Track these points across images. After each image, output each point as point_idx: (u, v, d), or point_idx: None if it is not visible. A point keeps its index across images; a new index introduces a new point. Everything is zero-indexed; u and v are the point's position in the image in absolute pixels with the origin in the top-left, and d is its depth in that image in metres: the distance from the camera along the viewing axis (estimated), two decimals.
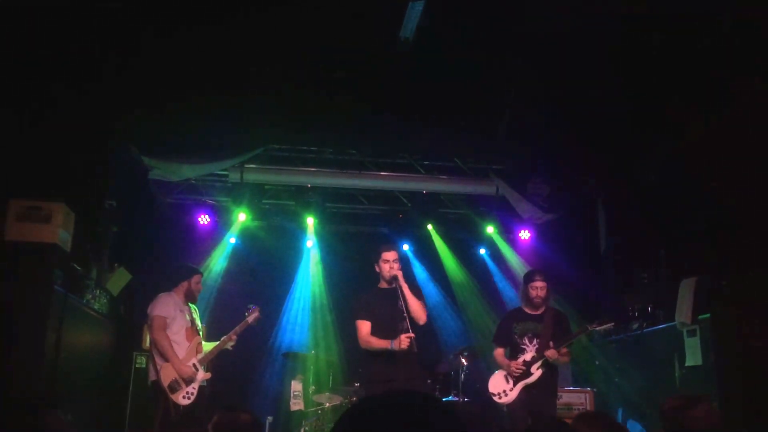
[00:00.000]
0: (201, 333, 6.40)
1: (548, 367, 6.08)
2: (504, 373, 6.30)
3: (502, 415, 6.58)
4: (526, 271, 9.03)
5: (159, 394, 5.91)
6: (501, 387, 6.25)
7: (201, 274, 6.57)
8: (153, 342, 6.05)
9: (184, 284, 6.32)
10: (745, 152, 6.17)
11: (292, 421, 7.77)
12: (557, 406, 6.46)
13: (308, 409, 7.66)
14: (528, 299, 6.32)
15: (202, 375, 6.11)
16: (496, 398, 6.27)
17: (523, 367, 6.13)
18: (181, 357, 6.01)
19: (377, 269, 5.75)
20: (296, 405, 7.79)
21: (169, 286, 6.38)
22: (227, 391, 8.11)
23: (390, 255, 5.70)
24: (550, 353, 5.97)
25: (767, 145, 5.91)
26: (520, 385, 6.13)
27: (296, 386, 7.92)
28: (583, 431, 2.89)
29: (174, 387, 5.90)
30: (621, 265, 7.98)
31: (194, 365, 6.07)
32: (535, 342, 6.14)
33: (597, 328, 6.14)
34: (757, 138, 6.01)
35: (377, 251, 5.78)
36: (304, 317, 9.17)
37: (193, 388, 6.00)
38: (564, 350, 6.09)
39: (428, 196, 9.03)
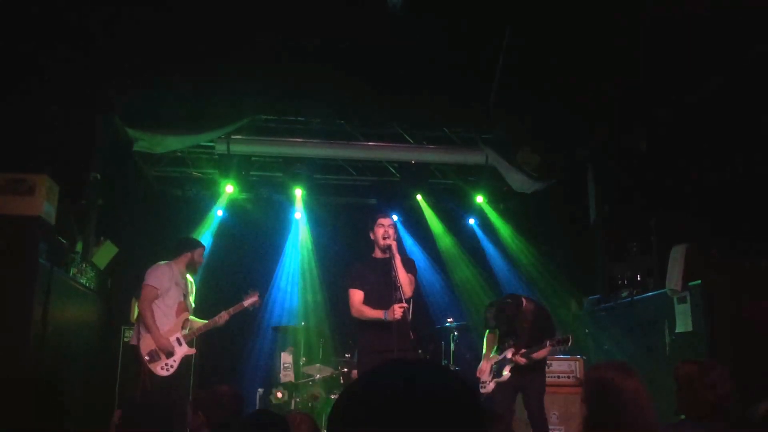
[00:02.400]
0: (191, 308, 6.35)
1: (522, 366, 6.14)
2: (488, 363, 6.44)
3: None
4: (516, 240, 9.06)
5: (140, 360, 5.94)
6: (483, 377, 6.43)
7: (204, 247, 6.55)
8: (139, 310, 6.05)
9: (188, 255, 6.30)
10: (736, 119, 6.15)
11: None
12: (547, 374, 6.55)
13: (299, 380, 7.65)
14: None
15: (184, 350, 6.07)
16: (480, 385, 6.42)
17: (496, 367, 6.29)
18: (165, 330, 5.99)
19: (372, 236, 5.70)
20: (287, 377, 7.78)
21: (170, 256, 6.34)
22: (218, 365, 8.10)
23: (385, 221, 5.65)
24: (519, 361, 6.09)
25: (759, 113, 5.89)
26: (494, 382, 6.27)
27: (286, 358, 7.90)
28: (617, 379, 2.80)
29: (153, 357, 5.91)
30: (611, 233, 7.97)
31: (177, 339, 6.04)
32: (510, 343, 6.25)
33: (556, 346, 6.17)
34: (747, 106, 5.99)
35: (372, 217, 5.73)
36: (293, 289, 9.14)
37: (174, 361, 5.98)
38: (541, 351, 6.13)
39: (417, 167, 8.95)
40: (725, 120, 6.25)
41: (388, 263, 5.51)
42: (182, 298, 6.18)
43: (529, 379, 6.14)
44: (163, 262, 6.25)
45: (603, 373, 2.83)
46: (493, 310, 6.52)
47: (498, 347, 6.41)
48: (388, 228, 5.61)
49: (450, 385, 1.23)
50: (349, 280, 5.75)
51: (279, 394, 7.53)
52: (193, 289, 6.49)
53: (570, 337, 6.12)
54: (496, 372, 6.26)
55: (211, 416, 3.87)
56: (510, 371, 6.15)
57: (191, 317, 6.32)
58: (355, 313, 5.68)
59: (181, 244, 6.43)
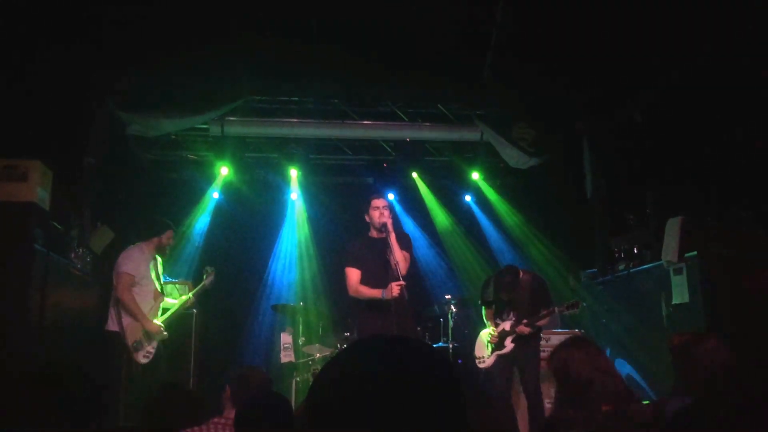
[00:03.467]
0: (164, 292, 6.43)
1: (522, 338, 6.20)
2: (485, 337, 6.47)
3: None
4: (513, 216, 9.07)
5: (122, 348, 5.97)
6: (481, 352, 6.48)
7: (173, 228, 6.57)
8: (119, 299, 6.07)
9: (155, 240, 6.36)
10: (732, 90, 6.12)
11: (283, 373, 7.78)
12: (544, 348, 6.59)
13: (299, 360, 7.68)
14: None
15: (160, 335, 6.20)
16: (477, 362, 6.49)
17: (497, 339, 6.32)
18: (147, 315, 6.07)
19: (367, 218, 5.73)
20: (287, 357, 7.81)
21: (141, 237, 6.45)
22: (217, 346, 8.12)
23: (379, 202, 5.67)
24: (521, 330, 6.16)
25: (754, 84, 5.86)
26: (495, 354, 6.32)
27: (286, 338, 7.92)
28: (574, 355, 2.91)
29: (137, 346, 5.98)
30: (608, 207, 7.97)
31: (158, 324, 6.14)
32: (511, 315, 6.30)
33: (565, 312, 6.31)
34: (743, 76, 5.95)
35: (366, 199, 5.75)
36: (290, 270, 9.14)
37: (152, 347, 6.06)
38: (542, 320, 6.25)
39: (412, 144, 8.93)
40: (722, 90, 6.22)
41: (384, 242, 5.54)
42: (156, 281, 6.26)
43: (525, 353, 6.20)
44: (134, 246, 6.32)
45: (561, 354, 3.01)
46: (491, 283, 6.54)
47: (496, 321, 6.43)
48: (383, 209, 5.63)
49: (429, 361, 1.24)
50: (346, 259, 5.78)
51: None
52: (161, 267, 6.56)
53: (578, 302, 6.25)
54: (497, 345, 6.28)
55: (237, 393, 3.97)
56: (512, 342, 6.18)
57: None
58: (352, 292, 5.71)
59: (149, 227, 6.48)
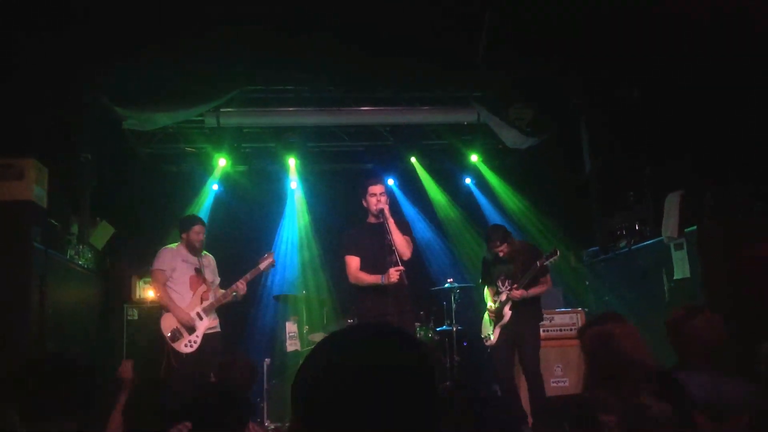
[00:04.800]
0: (212, 283, 6.37)
1: (521, 304, 6.20)
2: (487, 316, 6.50)
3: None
4: (512, 197, 9.06)
5: (163, 342, 6.02)
6: (486, 330, 6.46)
7: (202, 224, 6.44)
8: (155, 295, 6.21)
9: (184, 236, 6.32)
10: (729, 64, 6.07)
11: (289, 362, 7.81)
12: (543, 329, 6.67)
13: (304, 348, 7.71)
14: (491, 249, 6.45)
15: (206, 323, 6.14)
16: (484, 341, 6.50)
17: (493, 314, 6.35)
18: (182, 305, 6.07)
19: (364, 204, 5.71)
20: (292, 346, 7.83)
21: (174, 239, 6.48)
22: (223, 338, 8.14)
23: (376, 188, 5.64)
24: (515, 294, 6.14)
25: (752, 57, 5.81)
26: (498, 327, 6.31)
27: (291, 328, 7.94)
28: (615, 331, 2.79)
29: (175, 336, 6.00)
30: (606, 184, 7.94)
31: (198, 314, 6.09)
32: (507, 284, 6.28)
33: (546, 262, 6.20)
34: (742, 49, 5.90)
35: (363, 186, 5.73)
36: (292, 259, 9.15)
37: (197, 336, 6.05)
38: (536, 287, 6.23)
39: (410, 129, 8.89)
40: (719, 63, 6.17)
41: (382, 227, 5.52)
42: (194, 273, 6.23)
43: (525, 334, 6.18)
44: (168, 246, 6.38)
45: (602, 326, 2.82)
46: (487, 249, 6.54)
47: (494, 299, 6.43)
48: (379, 196, 5.60)
49: (406, 350, 1.24)
50: (345, 247, 5.78)
51: None
52: (211, 263, 6.51)
53: (556, 250, 6.23)
54: (497, 317, 6.29)
55: (223, 382, 3.97)
56: (510, 309, 6.21)
57: (220, 289, 6.38)
58: (352, 279, 5.72)
59: (179, 224, 6.48)
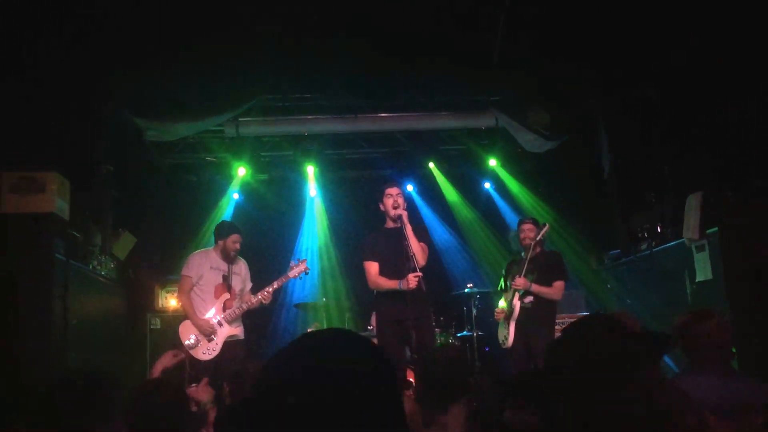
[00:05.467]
0: (241, 290, 6.33)
1: (533, 301, 6.17)
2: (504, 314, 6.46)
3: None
4: (532, 202, 9.02)
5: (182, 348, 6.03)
6: (502, 333, 6.43)
7: (239, 233, 6.35)
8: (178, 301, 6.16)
9: (220, 243, 6.27)
10: (747, 60, 5.99)
11: None
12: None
13: None
14: (519, 242, 6.53)
15: (226, 332, 6.10)
16: (501, 345, 6.45)
17: (502, 313, 6.36)
18: (204, 313, 6.07)
19: (382, 208, 5.73)
20: None
21: (211, 243, 6.46)
22: (245, 345, 8.19)
23: (393, 190, 5.66)
24: (517, 283, 6.15)
25: None
26: (512, 325, 6.27)
27: None
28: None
29: (193, 344, 5.99)
30: (626, 185, 7.86)
31: (219, 322, 6.08)
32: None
33: (539, 236, 6.34)
34: (757, 45, 5.82)
35: (380, 189, 5.75)
36: (312, 266, 9.14)
37: (216, 344, 6.03)
38: (546, 287, 6.20)
39: (428, 134, 8.90)
40: (735, 60, 6.08)
41: (400, 233, 5.52)
42: (221, 281, 6.19)
43: (536, 337, 6.10)
44: (199, 250, 6.41)
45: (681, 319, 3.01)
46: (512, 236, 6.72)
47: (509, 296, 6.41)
48: (396, 197, 5.61)
49: (363, 357, 1.26)
50: (363, 252, 5.80)
51: None
52: (243, 271, 6.43)
53: (546, 224, 6.50)
54: (507, 315, 6.29)
55: (234, 390, 3.95)
56: (518, 300, 6.21)
57: (252, 295, 6.33)
58: (371, 284, 5.75)
59: (216, 230, 6.43)
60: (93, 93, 6.86)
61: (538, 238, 6.30)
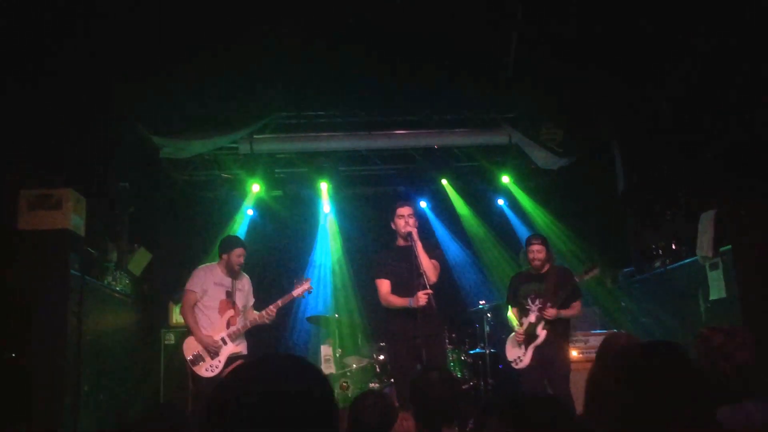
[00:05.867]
0: (244, 306, 6.33)
1: (553, 324, 6.13)
2: (518, 336, 6.38)
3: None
4: (545, 219, 9.00)
5: (184, 365, 6.04)
6: (516, 353, 6.35)
7: (243, 247, 6.35)
8: (181, 315, 6.12)
9: (224, 257, 6.26)
10: (759, 73, 5.96)
11: None
12: (579, 351, 6.61)
13: (338, 371, 7.74)
14: (529, 262, 6.45)
15: (230, 349, 6.07)
16: (513, 365, 6.38)
17: (523, 336, 6.25)
18: (208, 329, 6.04)
19: (393, 226, 5.77)
20: (328, 369, 7.88)
21: (216, 257, 6.45)
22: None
23: (404, 210, 5.70)
24: (549, 314, 6.07)
25: None
26: (531, 348, 6.21)
27: (326, 350, 8.00)
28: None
29: (196, 360, 5.97)
30: (640, 203, 7.83)
31: (223, 339, 6.07)
32: (537, 303, 6.21)
33: (585, 277, 6.25)
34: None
35: (392, 208, 5.79)
36: (325, 283, 9.21)
37: (219, 361, 6.00)
38: (568, 309, 6.19)
39: (441, 151, 8.92)
40: (748, 74, 6.06)
41: (411, 250, 5.55)
42: (225, 297, 6.18)
43: (555, 355, 6.09)
44: (204, 265, 6.36)
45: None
46: (517, 276, 6.55)
47: (521, 320, 6.35)
48: (407, 218, 5.65)
49: (304, 382, 1.35)
50: (375, 271, 5.85)
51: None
52: (247, 287, 6.44)
53: (596, 263, 6.30)
54: (529, 337, 6.21)
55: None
56: (544, 329, 6.13)
57: (254, 311, 6.34)
58: (383, 302, 5.79)
59: (221, 244, 6.43)
60: (109, 110, 6.95)
61: (585, 278, 6.26)
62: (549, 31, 6.73)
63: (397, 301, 5.62)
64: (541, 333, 6.13)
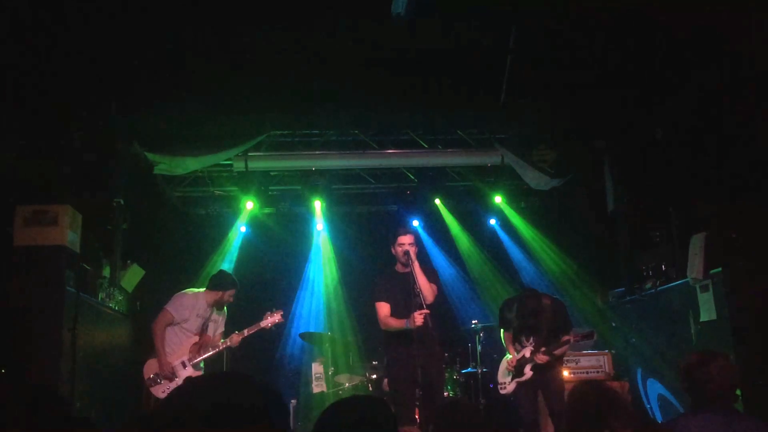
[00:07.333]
0: (213, 334, 6.37)
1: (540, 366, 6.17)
2: (507, 363, 6.44)
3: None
4: (537, 239, 9.05)
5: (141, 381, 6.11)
6: (502, 378, 6.44)
7: (237, 288, 6.43)
8: (152, 331, 6.12)
9: (218, 293, 6.30)
10: (755, 101, 6.06)
11: (315, 404, 7.84)
12: (570, 371, 6.63)
13: (330, 390, 7.73)
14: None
15: (188, 373, 6.07)
16: (499, 387, 6.47)
17: (513, 367, 6.30)
18: (176, 351, 6.11)
19: (393, 252, 5.83)
20: (318, 387, 7.88)
21: (204, 285, 6.46)
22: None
23: (405, 239, 5.77)
24: (540, 359, 6.10)
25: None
26: (515, 381, 6.28)
27: (317, 368, 8.00)
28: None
29: (154, 380, 6.04)
30: (632, 224, 7.91)
31: (182, 363, 6.10)
32: (531, 341, 6.26)
33: (579, 341, 6.28)
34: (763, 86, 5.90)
35: (393, 235, 5.85)
36: (318, 301, 9.23)
37: (177, 383, 5.99)
38: (560, 349, 6.18)
39: (434, 171, 8.99)
40: (742, 100, 6.16)
41: (410, 275, 5.60)
42: (199, 326, 6.24)
43: (548, 377, 6.15)
44: (191, 291, 6.36)
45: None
46: (513, 306, 6.51)
47: (515, 346, 6.39)
48: (408, 246, 5.70)
49: (248, 400, 1.48)
50: (375, 294, 5.93)
51: None
52: (221, 319, 6.49)
53: (594, 332, 6.17)
54: (517, 371, 6.26)
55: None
56: (531, 369, 6.17)
57: (220, 339, 6.36)
58: (382, 325, 5.90)
59: (216, 280, 6.43)
60: (105, 128, 6.99)
61: (579, 341, 6.30)
62: (542, 55, 6.84)
63: (396, 323, 5.70)
64: (528, 373, 6.19)
